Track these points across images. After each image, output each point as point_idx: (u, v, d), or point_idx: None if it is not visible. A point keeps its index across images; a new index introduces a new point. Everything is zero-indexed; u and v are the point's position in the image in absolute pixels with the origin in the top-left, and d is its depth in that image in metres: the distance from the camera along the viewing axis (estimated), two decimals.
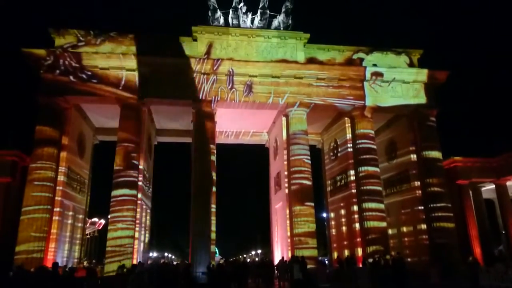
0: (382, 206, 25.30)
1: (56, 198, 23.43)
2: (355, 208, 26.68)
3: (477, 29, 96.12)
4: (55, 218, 23.26)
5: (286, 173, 26.56)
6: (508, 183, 34.55)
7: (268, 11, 27.26)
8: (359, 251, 25.83)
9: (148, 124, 28.28)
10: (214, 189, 24.04)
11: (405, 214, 28.48)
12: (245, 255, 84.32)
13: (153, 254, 58.68)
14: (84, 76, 23.89)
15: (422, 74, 27.13)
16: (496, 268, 19.38)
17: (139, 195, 25.02)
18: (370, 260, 22.60)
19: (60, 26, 25.09)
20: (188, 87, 24.83)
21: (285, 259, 23.86)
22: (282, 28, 27.25)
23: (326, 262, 32.57)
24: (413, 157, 27.53)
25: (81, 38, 24.89)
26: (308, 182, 24.91)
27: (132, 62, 24.16)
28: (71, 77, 23.73)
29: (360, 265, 23.67)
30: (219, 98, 24.94)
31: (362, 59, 27.40)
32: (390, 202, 29.08)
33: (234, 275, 19.21)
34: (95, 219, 38.18)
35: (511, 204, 35.64)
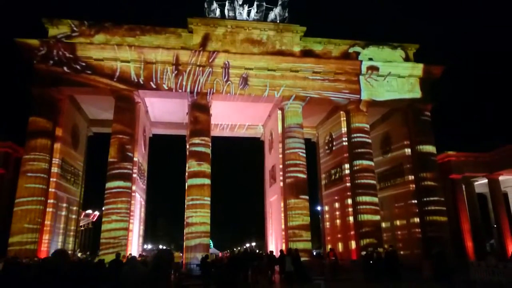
0: (376, 199, 25.46)
1: (50, 189, 23.31)
2: (349, 201, 26.82)
3: (473, 24, 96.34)
4: (49, 209, 23.16)
5: (281, 166, 26.59)
6: (501, 178, 34.88)
7: (264, 4, 27.08)
8: (353, 244, 26.03)
9: (143, 116, 28.14)
10: (209, 181, 24.05)
11: (398, 207, 28.71)
12: (239, 247, 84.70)
13: (148, 246, 58.74)
14: (78, 67, 23.64)
15: (418, 69, 27.17)
16: (487, 262, 19.58)
17: (134, 187, 24.96)
18: (363, 253, 22.80)
19: (53, 16, 24.79)
20: (184, 79, 24.68)
21: (274, 251, 23.67)
22: (278, 21, 27.11)
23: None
24: (407, 151, 27.67)
25: (75, 29, 24.60)
26: (303, 176, 24.99)
27: (126, 53, 23.94)
28: (65, 68, 23.47)
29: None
30: (214, 91, 24.83)
31: (358, 53, 27.38)
32: (384, 196, 29.26)
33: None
34: (89, 211, 38.10)
35: (503, 198, 36.03)
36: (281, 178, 26.39)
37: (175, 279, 20.31)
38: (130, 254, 19.77)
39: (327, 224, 31.76)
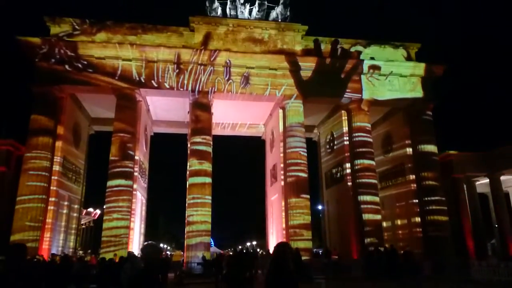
0: (377, 199, 25.44)
1: (51, 187, 23.37)
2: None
3: (474, 23, 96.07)
4: (50, 207, 23.22)
5: (282, 165, 26.57)
6: (502, 178, 34.79)
7: (266, 2, 27.05)
8: (354, 243, 26.01)
9: (144, 114, 28.17)
10: (210, 180, 24.06)
11: (399, 207, 28.68)
12: (240, 246, 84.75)
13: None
14: (79, 65, 23.65)
15: (419, 68, 27.11)
16: (488, 262, 19.58)
17: (135, 186, 25.00)
18: (365, 252, 22.81)
19: (55, 14, 24.82)
20: (185, 78, 24.69)
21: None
22: (280, 20, 27.07)
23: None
24: (409, 150, 27.63)
25: (76, 27, 24.63)
26: (304, 175, 24.97)
27: (128, 52, 23.95)
28: (67, 66, 23.49)
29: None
30: (215, 90, 24.83)
31: (359, 52, 27.32)
32: (385, 195, 29.24)
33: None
34: (91, 209, 38.15)
35: (504, 198, 35.95)
36: (282, 177, 26.37)
37: (176, 278, 20.36)
38: (132, 251, 19.75)
39: (328, 223, 31.76)
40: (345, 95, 26.25)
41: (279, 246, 4.78)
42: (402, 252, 20.52)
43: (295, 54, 26.11)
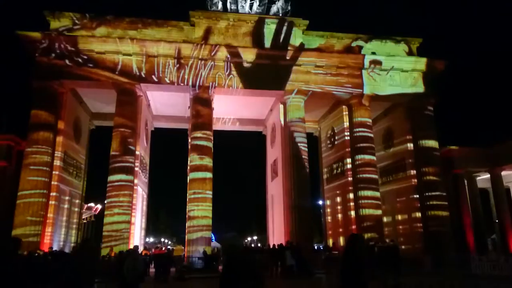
0: (377, 194, 25.42)
1: (52, 182, 23.41)
2: (351, 196, 26.86)
3: (476, 19, 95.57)
4: (52, 202, 23.28)
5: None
6: (503, 173, 34.76)
7: None
8: None
9: (145, 109, 28.14)
10: (211, 175, 24.07)
11: (400, 202, 28.69)
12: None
13: (150, 240, 58.99)
14: (79, 60, 23.59)
15: (421, 63, 26.99)
16: (488, 257, 19.62)
17: (136, 181, 25.03)
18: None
19: (55, 8, 24.70)
20: (186, 72, 24.62)
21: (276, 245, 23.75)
22: (281, 14, 26.94)
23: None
24: (410, 146, 27.60)
25: (76, 22, 24.53)
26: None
27: (128, 47, 23.87)
28: (67, 61, 23.43)
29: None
30: (216, 84, 24.76)
31: (361, 47, 27.19)
32: (386, 190, 29.23)
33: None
34: (91, 204, 38.16)
35: (505, 193, 35.95)
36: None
37: (178, 272, 20.46)
38: (137, 246, 19.78)
39: (329, 218, 31.81)
40: (346, 90, 26.14)
41: (351, 237, 5.60)
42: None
43: (296, 49, 25.97)
